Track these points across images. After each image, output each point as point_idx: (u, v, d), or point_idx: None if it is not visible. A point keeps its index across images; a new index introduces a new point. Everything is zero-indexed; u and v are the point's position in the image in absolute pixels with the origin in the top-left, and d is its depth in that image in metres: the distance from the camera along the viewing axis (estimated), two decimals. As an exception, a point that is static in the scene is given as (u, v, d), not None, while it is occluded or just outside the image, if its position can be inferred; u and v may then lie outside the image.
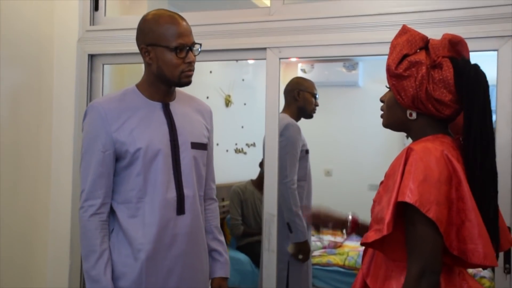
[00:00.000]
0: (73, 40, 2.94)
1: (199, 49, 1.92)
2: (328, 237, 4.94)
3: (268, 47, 2.61)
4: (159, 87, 1.90)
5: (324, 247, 4.67)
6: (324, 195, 6.00)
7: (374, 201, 1.54)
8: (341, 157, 5.97)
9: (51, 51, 2.97)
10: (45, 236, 2.98)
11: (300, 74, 5.95)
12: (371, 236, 1.40)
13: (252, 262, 4.30)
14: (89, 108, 1.88)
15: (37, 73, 2.90)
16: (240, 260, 4.35)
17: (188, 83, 1.89)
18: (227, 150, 5.32)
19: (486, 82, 1.44)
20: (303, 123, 3.36)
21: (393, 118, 1.56)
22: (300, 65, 6.21)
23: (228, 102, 5.32)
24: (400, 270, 1.43)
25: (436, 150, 1.37)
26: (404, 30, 1.54)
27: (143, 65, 1.95)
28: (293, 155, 3.13)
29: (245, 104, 5.58)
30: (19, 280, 2.83)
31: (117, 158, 1.85)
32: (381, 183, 1.54)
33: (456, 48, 1.50)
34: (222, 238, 2.13)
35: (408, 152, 1.39)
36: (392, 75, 1.48)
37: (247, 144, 5.63)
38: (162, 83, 1.89)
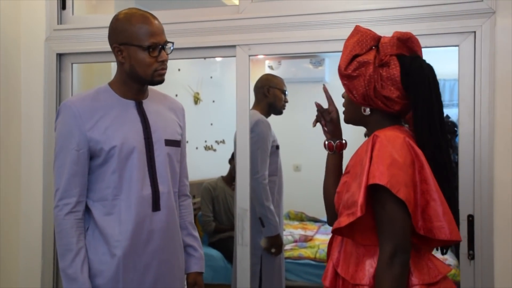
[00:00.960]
0: (41, 40, 2.91)
1: (172, 48, 1.94)
2: (298, 231, 5.02)
3: (238, 45, 2.65)
4: (132, 85, 1.92)
5: (295, 241, 4.74)
6: (294, 190, 6.11)
7: (339, 192, 1.60)
8: (310, 152, 6.00)
9: (18, 51, 2.94)
10: (16, 237, 2.96)
11: (267, 70, 6.00)
12: (344, 220, 1.46)
13: (225, 258, 4.34)
14: (62, 107, 1.88)
15: (4, 74, 2.86)
16: (212, 256, 4.39)
17: (161, 81, 1.91)
18: (196, 148, 5.34)
19: (432, 76, 1.53)
20: (272, 119, 3.41)
21: (351, 115, 1.66)
22: (267, 62, 6.26)
23: (197, 100, 5.34)
24: (371, 253, 1.50)
25: (398, 137, 1.46)
26: (356, 31, 1.62)
27: (112, 64, 1.97)
28: (263, 151, 3.19)
29: (213, 101, 5.61)
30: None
31: (91, 156, 1.87)
32: (344, 173, 1.61)
33: (407, 45, 1.58)
34: (196, 233, 2.16)
35: (374, 138, 1.47)
36: (343, 75, 1.57)
37: (216, 141, 5.66)
38: (135, 82, 1.91)
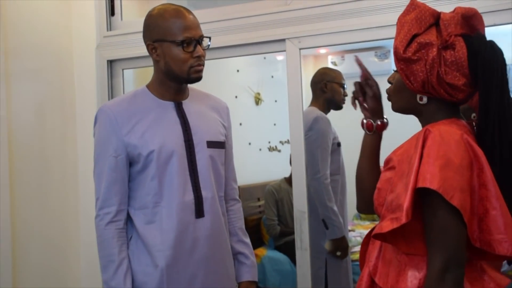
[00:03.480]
0: (92, 47, 2.92)
1: (209, 43, 1.83)
2: (367, 231, 4.78)
3: (287, 38, 2.51)
4: (170, 85, 1.83)
5: (364, 242, 4.51)
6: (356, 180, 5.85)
7: (380, 189, 1.41)
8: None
9: (70, 60, 2.96)
10: (77, 242, 2.98)
11: (330, 66, 5.81)
12: (386, 226, 1.28)
13: (291, 261, 4.19)
14: (99, 112, 1.82)
15: (59, 84, 2.89)
16: (279, 260, 4.26)
17: (198, 78, 1.80)
18: (260, 149, 5.23)
19: (503, 60, 1.31)
20: (334, 115, 3.24)
21: (402, 103, 1.44)
22: (330, 58, 6.06)
23: (258, 100, 5.24)
24: (415, 264, 1.30)
25: (455, 134, 1.26)
26: (413, 5, 1.40)
27: None
28: (324, 149, 3.02)
29: (276, 101, 5.48)
30: (55, 284, 2.84)
31: (131, 162, 1.79)
32: (388, 168, 1.42)
33: (470, 23, 1.35)
34: (247, 240, 2.04)
35: (425, 133, 1.27)
36: (400, 58, 1.35)
37: (280, 142, 5.52)
38: (172, 81, 1.81)
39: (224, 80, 4.70)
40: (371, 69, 5.60)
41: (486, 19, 1.42)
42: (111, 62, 2.90)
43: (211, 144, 1.86)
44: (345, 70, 6.23)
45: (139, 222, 1.78)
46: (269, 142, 5.41)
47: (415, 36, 1.35)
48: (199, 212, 1.80)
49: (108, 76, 2.89)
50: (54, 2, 2.87)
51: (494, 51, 1.30)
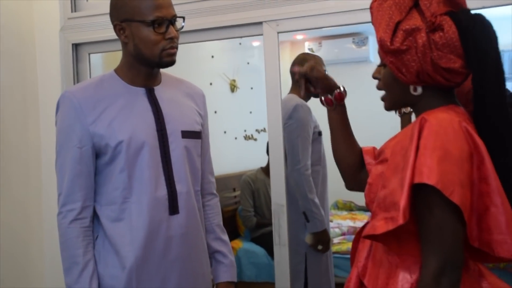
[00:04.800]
0: (55, 30, 2.72)
1: (183, 24, 1.67)
2: (347, 222, 4.70)
3: (265, 21, 2.36)
4: (140, 69, 1.66)
5: (343, 234, 4.42)
6: (339, 179, 5.78)
7: (371, 184, 1.29)
8: (356, 136, 5.71)
9: (33, 43, 2.77)
10: (40, 234, 2.82)
11: (308, 53, 5.69)
12: (381, 226, 1.15)
13: (268, 254, 4.07)
14: (61, 99, 1.65)
15: (20, 68, 2.69)
16: (255, 252, 4.13)
17: (171, 62, 1.65)
18: (235, 138, 5.08)
19: (495, 35, 1.20)
20: (313, 102, 3.11)
21: (395, 98, 1.33)
22: (307, 44, 5.95)
23: (233, 87, 5.08)
24: (407, 266, 1.19)
25: (453, 121, 1.14)
26: None
27: None
28: (305, 138, 2.89)
29: (252, 88, 5.33)
30: (16, 279, 2.69)
31: (97, 154, 1.62)
32: (379, 161, 1.30)
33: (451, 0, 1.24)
34: (225, 237, 1.90)
35: (421, 123, 1.14)
36: (388, 51, 1.22)
37: (257, 130, 5.39)
38: (142, 65, 1.65)
39: (198, 66, 4.53)
40: (349, 55, 5.50)
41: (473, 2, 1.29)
42: (76, 46, 2.71)
43: (186, 134, 1.71)
44: (322, 56, 6.08)
45: (106, 220, 1.62)
46: (245, 131, 5.27)
47: (398, 24, 1.22)
48: (173, 208, 1.65)
49: (74, 61, 2.69)
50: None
51: (483, 25, 1.19)
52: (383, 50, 1.23)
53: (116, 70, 1.70)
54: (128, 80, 1.67)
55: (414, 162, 1.11)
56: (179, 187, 1.66)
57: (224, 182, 4.52)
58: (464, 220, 1.09)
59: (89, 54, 2.71)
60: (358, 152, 1.51)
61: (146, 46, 1.59)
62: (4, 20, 2.60)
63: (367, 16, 2.18)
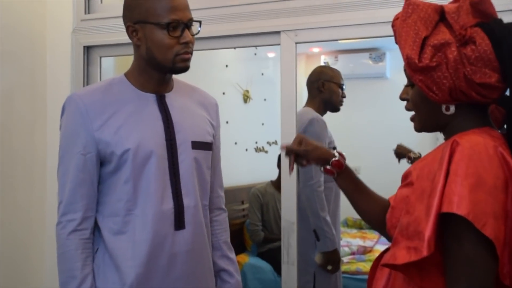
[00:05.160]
0: (67, 31, 2.65)
1: (199, 29, 1.59)
2: (357, 241, 4.57)
3: (283, 31, 2.27)
4: (152, 74, 1.58)
5: (352, 253, 4.30)
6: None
7: (394, 208, 1.19)
8: (370, 154, 5.60)
9: (44, 44, 2.70)
10: (42, 239, 2.74)
11: (323, 67, 5.61)
12: (402, 256, 1.05)
13: (274, 270, 3.96)
14: (67, 102, 1.56)
15: (30, 70, 2.63)
16: (261, 268, 4.01)
17: (184, 68, 1.56)
18: (246, 149, 4.98)
19: None
20: (329, 117, 3.02)
21: (427, 120, 1.23)
22: (323, 57, 5.87)
23: (246, 98, 4.99)
24: None
25: (488, 146, 1.04)
26: (411, 5, 1.17)
27: None
28: (319, 154, 2.79)
29: (265, 99, 5.24)
30: (16, 284, 2.61)
31: (102, 162, 1.54)
32: (405, 184, 1.20)
33: (481, 9, 1.13)
34: (232, 255, 1.80)
35: (453, 146, 1.04)
36: (417, 69, 1.12)
37: (268, 142, 5.29)
38: (154, 70, 1.57)
39: (212, 75, 4.45)
40: (365, 71, 5.38)
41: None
42: (87, 48, 2.64)
43: (197, 145, 1.62)
44: (337, 71, 6.05)
45: (107, 232, 1.53)
46: (256, 143, 5.17)
47: (425, 40, 1.13)
48: (179, 223, 1.56)
49: (84, 64, 2.62)
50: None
51: None
52: (411, 68, 1.14)
53: (126, 74, 1.62)
54: (138, 85, 1.59)
55: (443, 189, 1.01)
56: (187, 201, 1.57)
57: (233, 194, 4.42)
58: (496, 255, 0.99)
59: (100, 57, 2.64)
60: (385, 204, 1.40)
61: (159, 50, 1.51)
62: (16, 19, 2.55)
63: (388, 30, 2.12)
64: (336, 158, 1.43)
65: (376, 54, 5.55)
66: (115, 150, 1.50)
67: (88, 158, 1.51)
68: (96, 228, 1.56)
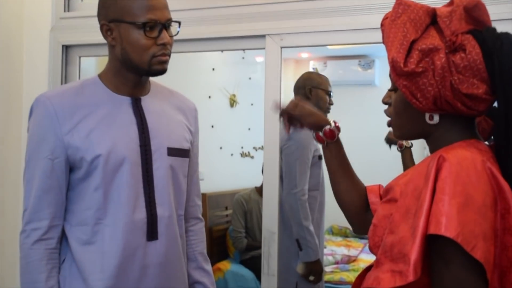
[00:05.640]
0: (46, 29, 2.56)
1: (178, 29, 1.52)
2: (341, 250, 4.51)
3: (268, 34, 2.21)
4: (127, 76, 1.50)
5: (336, 262, 4.23)
6: (336, 203, 5.60)
7: (376, 226, 1.12)
8: (357, 162, 5.46)
9: (20, 42, 2.61)
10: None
11: (312, 72, 5.56)
12: (387, 280, 0.98)
13: (257, 278, 3.89)
14: (35, 103, 1.48)
15: (5, 68, 2.53)
16: (243, 276, 3.94)
17: (161, 71, 1.48)
18: (232, 154, 4.91)
19: None
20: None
21: (407, 126, 1.16)
22: (312, 63, 5.82)
23: (233, 102, 4.92)
24: None
25: (476, 161, 0.97)
26: (401, 5, 1.09)
27: None
28: (303, 162, 2.73)
29: (252, 104, 5.17)
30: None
31: (71, 167, 1.45)
32: (387, 200, 1.13)
33: (475, 16, 1.06)
34: (208, 267, 1.72)
35: (439, 161, 0.97)
36: (402, 73, 1.05)
37: (254, 148, 5.22)
38: (129, 71, 1.49)
39: (198, 78, 4.37)
40: (354, 78, 5.33)
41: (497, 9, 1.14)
42: (66, 48, 2.55)
43: (173, 152, 1.55)
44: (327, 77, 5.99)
45: (75, 242, 1.44)
46: (242, 148, 5.10)
47: (412, 43, 1.06)
48: (152, 233, 1.48)
49: (63, 64, 2.53)
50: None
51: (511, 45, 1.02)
52: (396, 72, 1.07)
53: (100, 76, 1.54)
54: (112, 87, 1.51)
55: (429, 208, 0.94)
56: (160, 210, 1.50)
57: (216, 199, 4.35)
58: (486, 278, 0.92)
59: (79, 57, 2.56)
60: (362, 191, 1.35)
61: (135, 51, 1.43)
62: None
63: (375, 36, 2.04)
64: (330, 127, 1.36)
65: (365, 61, 5.51)
66: (85, 155, 1.42)
67: (56, 163, 1.43)
68: (63, 237, 1.47)
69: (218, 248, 4.19)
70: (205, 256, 1.72)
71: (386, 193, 1.16)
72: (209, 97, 4.52)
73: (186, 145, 1.59)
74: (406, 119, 1.15)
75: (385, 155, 5.13)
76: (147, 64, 1.45)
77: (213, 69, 4.63)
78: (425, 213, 0.93)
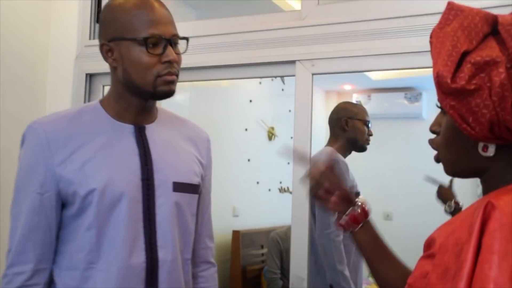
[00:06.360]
0: (70, 58, 2.48)
1: (186, 47, 1.36)
2: None
3: (298, 60, 2.03)
4: (130, 102, 1.34)
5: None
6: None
7: (411, 286, 0.88)
8: (403, 199, 5.25)
9: (45, 70, 2.53)
10: None
11: (354, 105, 5.35)
12: None
13: (293, 324, 3.62)
14: (27, 130, 1.33)
15: (30, 97, 2.46)
16: (278, 321, 3.68)
17: (168, 92, 1.31)
18: (269, 189, 4.71)
19: None
20: (358, 159, 2.73)
21: (460, 160, 0.91)
22: (355, 96, 5.61)
23: (271, 135, 4.74)
24: None
25: None
26: (453, 10, 0.87)
27: None
28: (338, 199, 2.49)
29: (292, 137, 4.97)
30: None
31: (64, 203, 1.29)
32: (427, 255, 0.89)
33: None
34: (221, 317, 1.52)
35: (486, 210, 0.74)
36: (449, 91, 0.83)
37: (294, 183, 5.00)
38: (133, 95, 1.33)
39: (234, 110, 4.23)
40: (400, 111, 5.03)
41: None
42: (90, 76, 2.46)
43: (180, 187, 1.36)
44: (371, 110, 5.75)
45: None
46: (281, 183, 4.89)
47: (465, 55, 0.84)
48: (152, 281, 1.29)
49: (86, 92, 2.43)
50: (34, 1, 2.45)
51: None
52: (441, 89, 0.84)
53: (101, 101, 1.39)
54: (114, 113, 1.35)
55: (471, 270, 0.71)
56: (162, 254, 1.31)
57: (251, 237, 4.14)
58: None
59: (103, 86, 2.45)
60: (407, 276, 1.11)
61: (137, 71, 1.28)
62: (18, 45, 2.39)
63: (419, 61, 1.86)
64: (357, 209, 1.16)
65: (412, 94, 5.25)
66: (78, 189, 1.26)
67: (46, 198, 1.27)
68: (52, 284, 1.30)
69: (252, 290, 3.96)
70: (218, 307, 1.52)
71: (427, 247, 0.92)
72: (246, 129, 4.36)
73: (195, 180, 1.41)
74: (456, 150, 0.91)
75: (434, 191, 4.81)
76: (152, 85, 1.28)
77: (251, 101, 4.48)
78: (466, 278, 0.70)
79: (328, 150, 2.65)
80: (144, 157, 1.33)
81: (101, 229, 1.26)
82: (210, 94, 3.95)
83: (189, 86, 3.56)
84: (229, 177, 4.13)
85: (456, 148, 0.90)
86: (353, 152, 2.73)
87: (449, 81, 0.82)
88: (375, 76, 4.94)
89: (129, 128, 1.35)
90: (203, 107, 3.81)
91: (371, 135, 2.71)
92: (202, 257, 1.50)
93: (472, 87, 0.80)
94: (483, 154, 0.85)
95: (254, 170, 4.40)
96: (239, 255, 3.83)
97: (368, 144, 2.71)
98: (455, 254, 0.76)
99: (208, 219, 1.53)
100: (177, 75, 1.32)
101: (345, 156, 2.66)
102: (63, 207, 1.30)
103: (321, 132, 3.44)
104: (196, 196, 1.42)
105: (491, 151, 0.84)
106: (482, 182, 0.90)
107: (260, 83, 4.58)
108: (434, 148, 0.99)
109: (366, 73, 4.85)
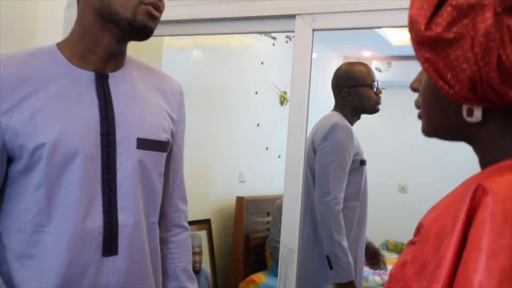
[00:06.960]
0: (61, 7, 2.34)
1: None
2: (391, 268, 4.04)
3: (298, 14, 1.85)
4: (98, 39, 1.18)
5: (383, 285, 3.78)
6: (397, 215, 5.15)
7: (392, 277, 0.72)
8: (419, 170, 5.08)
9: (35, 20, 2.41)
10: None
11: (375, 72, 5.13)
12: None
13: (294, 294, 3.51)
14: None
15: (19, 46, 2.32)
16: (280, 290, 3.58)
17: (147, 27, 1.16)
18: (279, 156, 4.56)
19: None
20: (373, 127, 2.56)
21: (438, 121, 0.74)
22: (374, 63, 5.39)
23: (283, 100, 4.56)
24: None
25: None
26: None
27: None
28: (339, 165, 2.33)
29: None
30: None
31: (10, 157, 1.16)
32: (410, 242, 0.73)
33: None
34: (193, 286, 1.39)
35: (476, 196, 0.57)
36: (423, 40, 0.66)
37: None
38: (104, 29, 1.17)
39: (244, 73, 4.06)
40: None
41: None
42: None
43: (145, 144, 1.22)
44: (391, 78, 5.54)
45: (11, 255, 1.15)
46: (292, 149, 4.74)
47: None
48: (110, 247, 1.16)
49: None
50: None
51: None
52: (416, 36, 0.67)
53: (59, 44, 1.24)
54: (74, 56, 1.20)
55: (451, 270, 0.55)
56: (123, 218, 1.18)
57: (257, 204, 4.01)
58: None
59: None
60: None
61: None
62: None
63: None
64: None
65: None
66: (26, 143, 1.12)
67: None
68: (1, 247, 1.18)
69: (255, 258, 3.84)
70: (189, 273, 1.39)
71: (417, 231, 0.76)
72: (256, 93, 4.19)
73: (163, 136, 1.27)
74: (437, 109, 0.74)
75: (452, 161, 4.59)
76: (132, 11, 1.13)
77: (262, 63, 4.30)
78: (444, 279, 0.55)
79: (333, 114, 2.48)
80: (104, 109, 1.19)
81: (51, 189, 1.13)
82: (218, 55, 3.78)
83: (193, 46, 3.38)
84: (236, 141, 3.99)
85: (436, 111, 0.73)
86: (369, 121, 2.54)
87: (422, 27, 0.64)
88: (395, 41, 4.69)
89: (89, 75, 1.20)
90: (209, 69, 3.65)
91: (379, 93, 2.51)
92: (174, 220, 1.37)
93: (451, 35, 0.62)
94: (468, 119, 0.67)
95: (263, 136, 4.25)
96: (242, 222, 3.72)
97: (379, 104, 2.51)
98: (436, 246, 0.59)
99: (181, 180, 1.39)
100: (160, 12, 1.18)
101: (352, 122, 2.49)
102: (9, 162, 1.16)
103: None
104: (164, 154, 1.28)
105: (477, 116, 0.66)
106: (475, 152, 0.73)
107: (273, 44, 4.39)
108: (416, 106, 0.81)
109: (386, 38, 4.61)
